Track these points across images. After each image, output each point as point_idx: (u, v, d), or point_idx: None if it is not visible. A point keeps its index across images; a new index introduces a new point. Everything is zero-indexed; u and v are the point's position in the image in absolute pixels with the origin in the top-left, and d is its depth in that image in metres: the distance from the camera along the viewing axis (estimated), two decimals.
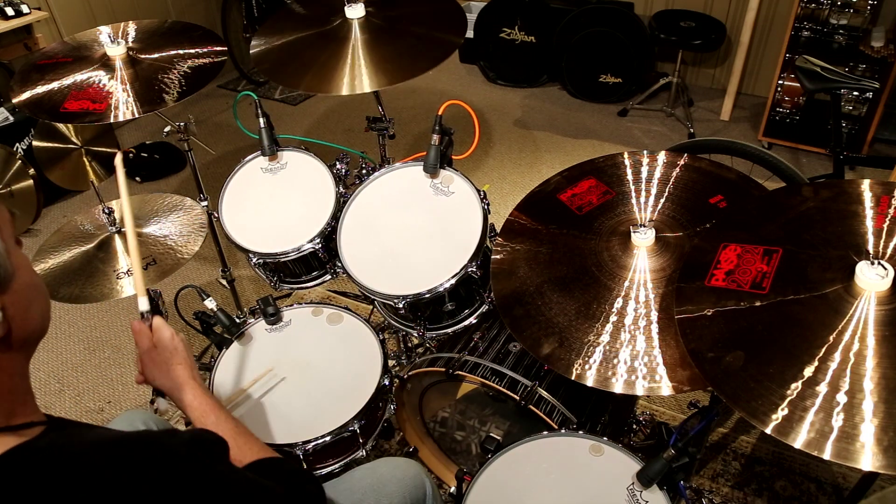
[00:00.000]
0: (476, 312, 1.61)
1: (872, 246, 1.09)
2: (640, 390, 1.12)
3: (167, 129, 1.94)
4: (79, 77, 1.79)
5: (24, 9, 3.16)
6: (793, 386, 0.93)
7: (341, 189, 1.70)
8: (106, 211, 1.61)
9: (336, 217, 1.64)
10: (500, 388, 1.41)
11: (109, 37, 1.88)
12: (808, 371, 0.94)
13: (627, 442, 1.61)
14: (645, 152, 1.53)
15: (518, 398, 1.39)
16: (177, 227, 1.69)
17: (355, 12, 1.78)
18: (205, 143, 3.67)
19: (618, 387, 1.13)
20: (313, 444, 1.34)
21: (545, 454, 1.24)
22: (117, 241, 1.63)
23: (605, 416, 1.52)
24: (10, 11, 3.11)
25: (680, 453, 1.14)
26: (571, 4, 3.71)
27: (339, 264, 1.61)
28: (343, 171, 1.75)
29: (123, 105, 1.71)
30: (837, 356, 0.95)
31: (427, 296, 1.47)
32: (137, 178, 3.47)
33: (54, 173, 3.27)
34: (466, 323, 1.61)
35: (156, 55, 1.86)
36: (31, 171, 3.06)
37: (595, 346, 1.18)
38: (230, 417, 1.04)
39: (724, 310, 1.07)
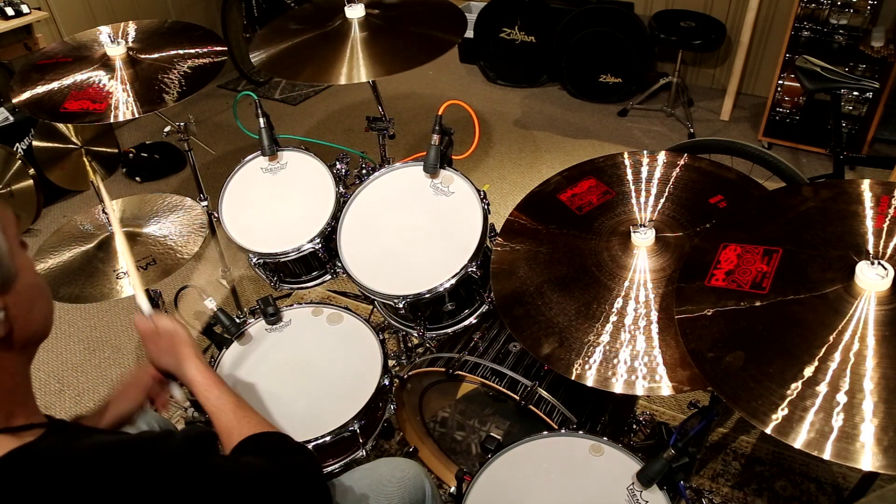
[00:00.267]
0: (476, 312, 1.61)
1: (872, 246, 1.09)
2: (640, 390, 1.12)
3: (167, 129, 1.95)
4: (79, 77, 1.79)
5: (24, 9, 3.16)
6: (793, 386, 0.93)
7: (341, 189, 1.70)
8: (106, 211, 1.61)
9: (336, 217, 1.64)
10: (500, 388, 1.41)
11: (109, 37, 1.88)
12: (808, 371, 0.94)
13: (627, 442, 1.61)
14: (645, 152, 1.53)
15: (518, 398, 1.39)
16: (177, 227, 1.70)
17: (355, 12, 1.78)
18: (205, 143, 3.67)
19: (618, 387, 1.13)
20: (313, 443, 1.34)
21: (545, 454, 1.24)
22: (117, 241, 1.64)
23: (605, 416, 1.52)
24: (10, 11, 3.11)
25: (680, 453, 1.14)
26: (571, 4, 3.71)
27: (339, 264, 1.61)
28: (343, 171, 1.75)
29: (123, 105, 1.71)
30: (837, 356, 0.95)
31: (427, 296, 1.47)
32: (137, 178, 3.47)
33: (54, 173, 3.27)
34: (466, 323, 1.61)
35: (156, 55, 1.86)
36: (31, 171, 3.06)
37: (595, 346, 1.18)
38: (231, 392, 1.07)
39: (724, 310, 1.07)
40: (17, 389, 0.77)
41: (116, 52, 1.82)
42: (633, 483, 1.16)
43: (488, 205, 1.56)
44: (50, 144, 3.24)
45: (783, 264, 1.10)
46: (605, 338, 1.18)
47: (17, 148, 3.08)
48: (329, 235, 1.64)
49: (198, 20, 4.10)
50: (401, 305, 1.48)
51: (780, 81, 3.21)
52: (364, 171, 1.76)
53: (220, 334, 1.51)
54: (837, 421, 0.89)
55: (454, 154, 1.66)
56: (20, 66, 1.91)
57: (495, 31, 3.99)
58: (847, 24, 2.97)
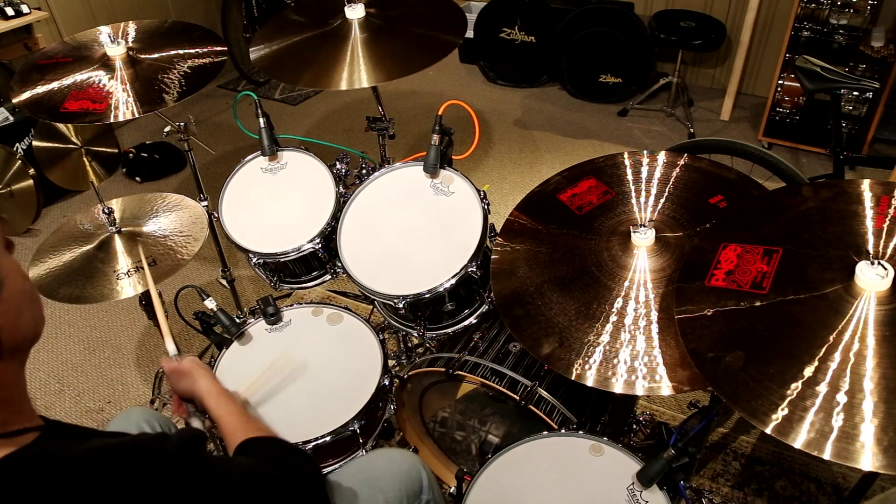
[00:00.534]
0: (476, 312, 1.61)
1: (872, 246, 1.09)
2: (640, 390, 1.12)
3: (167, 129, 1.94)
4: (79, 77, 1.79)
5: (24, 9, 3.16)
6: (793, 386, 0.93)
7: (341, 189, 1.70)
8: (106, 211, 1.61)
9: (336, 217, 1.64)
10: (500, 388, 1.41)
11: (109, 37, 1.88)
12: (808, 371, 0.94)
13: (627, 442, 1.61)
14: (645, 152, 1.53)
15: (518, 398, 1.39)
16: (177, 228, 1.69)
17: (355, 13, 1.78)
18: (205, 143, 3.67)
19: (618, 387, 1.13)
20: (313, 444, 1.34)
21: (545, 454, 1.24)
22: (117, 241, 1.63)
23: (605, 416, 1.52)
24: (10, 11, 3.11)
25: (680, 453, 1.14)
26: (571, 4, 3.71)
27: (339, 264, 1.61)
28: (343, 171, 1.75)
29: (123, 105, 1.71)
30: (837, 356, 0.95)
31: (427, 296, 1.47)
32: (137, 178, 3.47)
33: (54, 173, 3.27)
34: (466, 323, 1.61)
35: (156, 55, 1.86)
36: (31, 171, 3.06)
37: (595, 346, 1.18)
38: (236, 402, 1.18)
39: (724, 310, 1.07)
40: (11, 397, 0.75)
41: (116, 52, 1.82)
42: (633, 483, 1.16)
43: (488, 205, 1.56)
44: (50, 144, 3.24)
45: (783, 264, 1.10)
46: (605, 338, 1.19)
47: (17, 148, 3.08)
48: (329, 235, 1.64)
49: (198, 20, 4.10)
50: (401, 305, 1.48)
51: (780, 81, 3.21)
52: (364, 171, 1.76)
53: (220, 334, 1.51)
54: (837, 421, 0.89)
55: (454, 154, 1.66)
56: (20, 66, 1.91)
57: (495, 31, 3.99)
58: (847, 24, 2.97)
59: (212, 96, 4.22)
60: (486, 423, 1.63)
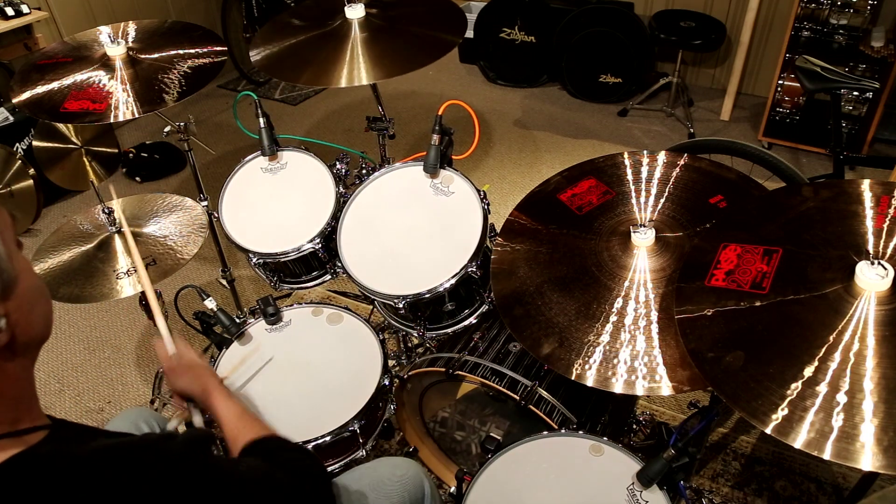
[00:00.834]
0: (476, 312, 1.61)
1: (872, 246, 1.09)
2: (640, 390, 1.12)
3: (167, 129, 1.94)
4: (79, 77, 1.79)
5: (24, 9, 3.16)
6: (793, 386, 0.93)
7: (341, 189, 1.70)
8: (106, 211, 1.61)
9: (336, 217, 1.64)
10: (500, 388, 1.41)
11: (109, 37, 1.88)
12: (808, 371, 0.94)
13: (627, 442, 1.62)
14: (645, 152, 1.53)
15: (518, 398, 1.39)
16: (177, 227, 1.69)
17: (355, 12, 1.78)
18: (205, 143, 3.67)
19: (618, 387, 1.13)
20: (313, 443, 1.34)
21: (545, 454, 1.24)
22: (117, 241, 1.63)
23: (605, 416, 1.52)
24: (10, 11, 3.11)
25: (680, 453, 1.14)
26: (571, 4, 3.71)
27: (339, 264, 1.61)
28: (343, 171, 1.75)
29: (123, 105, 1.71)
30: (837, 356, 0.95)
31: (427, 296, 1.47)
32: (137, 178, 3.47)
33: (54, 173, 3.27)
34: (466, 323, 1.61)
35: (156, 55, 1.86)
36: (31, 171, 3.06)
37: (595, 346, 1.18)
38: (237, 402, 1.15)
39: (724, 310, 1.07)
40: (22, 395, 0.76)
41: (116, 52, 1.82)
42: (633, 483, 1.16)
43: (488, 205, 1.56)
44: (50, 144, 3.24)
45: (783, 264, 1.10)
46: (605, 338, 1.19)
47: (17, 148, 3.08)
48: (329, 235, 1.64)
49: (198, 20, 4.10)
50: (401, 305, 1.48)
51: (780, 81, 3.21)
52: (364, 171, 1.76)
53: (220, 334, 1.51)
54: (837, 421, 0.89)
55: (454, 154, 1.66)
56: (20, 66, 1.91)
57: (495, 31, 3.99)
58: (847, 24, 2.97)
59: (212, 96, 4.22)
60: (486, 423, 1.63)
